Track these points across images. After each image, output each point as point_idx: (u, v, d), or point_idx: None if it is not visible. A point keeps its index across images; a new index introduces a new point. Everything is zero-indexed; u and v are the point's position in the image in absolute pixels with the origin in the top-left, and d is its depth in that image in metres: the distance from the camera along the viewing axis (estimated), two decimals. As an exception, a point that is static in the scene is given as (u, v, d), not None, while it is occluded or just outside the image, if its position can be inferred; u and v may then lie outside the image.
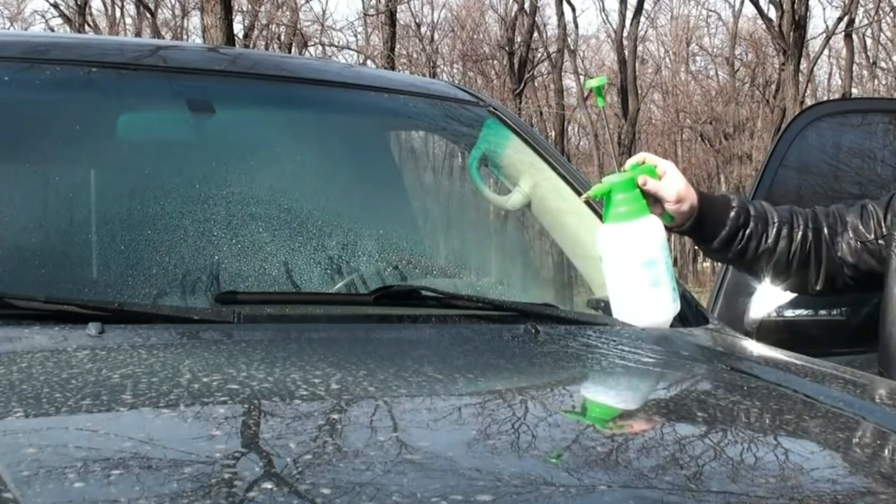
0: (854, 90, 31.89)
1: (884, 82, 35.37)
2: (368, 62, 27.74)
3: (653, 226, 2.12)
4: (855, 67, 32.56)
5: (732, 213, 2.30)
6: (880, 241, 2.33)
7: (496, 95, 28.48)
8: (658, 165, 2.19)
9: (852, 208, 2.40)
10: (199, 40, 20.73)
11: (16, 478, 1.08)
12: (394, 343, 1.83)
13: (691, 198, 2.22)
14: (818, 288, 2.37)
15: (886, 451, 1.46)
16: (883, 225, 2.33)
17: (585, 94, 32.27)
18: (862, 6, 30.76)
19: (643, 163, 2.19)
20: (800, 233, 2.34)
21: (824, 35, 31.10)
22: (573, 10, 45.68)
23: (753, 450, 1.38)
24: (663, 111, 37.96)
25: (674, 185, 2.19)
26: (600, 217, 2.28)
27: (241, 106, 2.43)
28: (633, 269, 2.08)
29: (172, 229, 2.02)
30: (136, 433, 1.24)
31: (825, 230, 2.36)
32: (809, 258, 2.35)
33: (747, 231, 2.31)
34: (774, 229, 2.33)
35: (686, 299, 2.21)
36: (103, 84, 2.24)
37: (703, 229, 2.29)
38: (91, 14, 30.46)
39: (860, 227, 2.35)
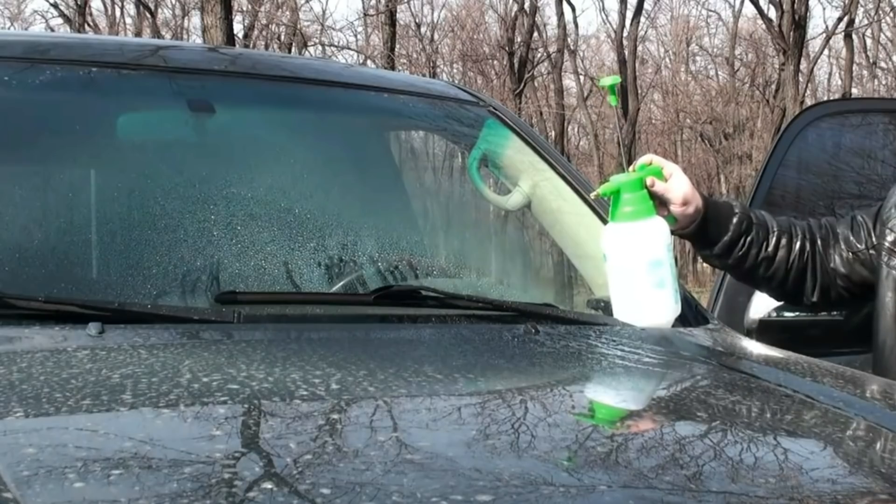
0: (854, 90, 31.88)
1: (884, 82, 35.36)
2: (368, 62, 27.74)
3: (659, 227, 2.12)
4: (855, 67, 32.55)
5: (735, 219, 2.30)
6: (871, 251, 2.34)
7: (496, 95, 28.48)
8: (665, 167, 2.20)
9: (843, 220, 2.42)
10: (199, 40, 20.73)
11: (16, 478, 1.08)
12: (394, 343, 1.83)
13: (696, 201, 2.22)
14: (813, 299, 2.39)
15: (886, 451, 1.46)
16: (873, 235, 2.35)
17: (586, 94, 32.31)
18: (862, 6, 30.76)
19: (650, 164, 2.19)
20: (797, 243, 2.35)
21: (824, 35, 31.14)
22: (573, 10, 45.65)
23: (753, 450, 1.38)
24: (663, 111, 37.95)
25: (680, 188, 2.20)
26: (601, 217, 2.28)
27: (241, 106, 2.43)
28: (638, 269, 2.08)
29: (172, 229, 2.02)
30: (136, 433, 1.24)
31: (818, 242, 2.37)
32: (806, 269, 2.36)
33: (749, 238, 2.32)
34: (774, 238, 2.34)
35: (686, 299, 2.21)
36: (103, 84, 2.24)
37: (706, 233, 2.29)
38: (91, 14, 30.46)
39: (851, 238, 2.37)
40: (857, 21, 30.57)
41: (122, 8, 32.27)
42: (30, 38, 2.88)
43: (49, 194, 2.12)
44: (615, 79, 2.26)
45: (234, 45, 14.38)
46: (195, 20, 29.24)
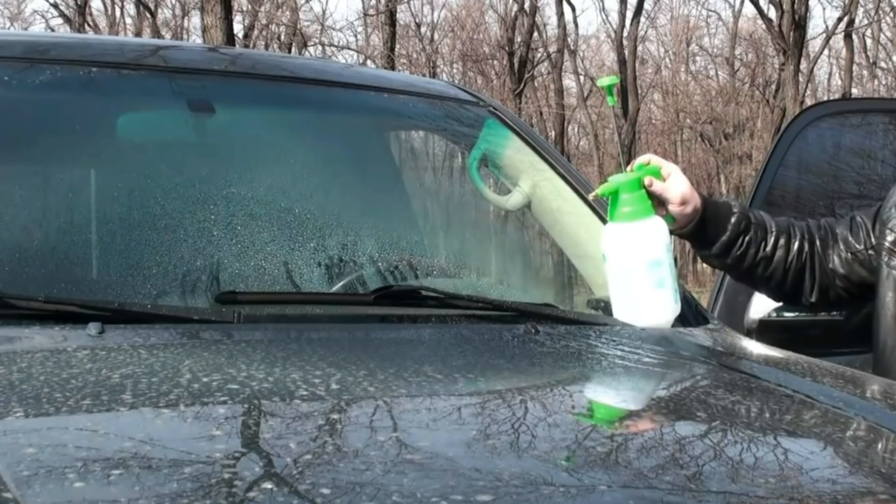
0: (854, 90, 31.88)
1: (884, 82, 35.36)
2: (368, 62, 27.74)
3: (658, 227, 2.12)
4: (855, 67, 32.55)
5: (734, 219, 2.31)
6: (870, 252, 2.34)
7: (496, 95, 28.47)
8: (663, 167, 2.20)
9: (842, 220, 2.42)
10: (199, 40, 20.73)
11: (16, 478, 1.08)
12: (394, 343, 1.83)
13: (695, 201, 2.23)
14: (812, 300, 2.39)
15: (886, 452, 1.46)
16: (872, 235, 2.35)
17: (586, 94, 32.32)
18: (862, 6, 30.76)
19: (648, 164, 2.20)
20: (796, 243, 2.35)
21: (824, 35, 31.14)
22: (573, 10, 45.70)
23: (753, 450, 1.38)
24: (663, 111, 37.94)
25: (678, 187, 2.20)
26: (601, 217, 2.28)
27: (241, 106, 2.43)
28: (637, 270, 2.08)
29: (172, 229, 2.02)
30: (136, 433, 1.24)
31: (817, 242, 2.37)
32: (804, 269, 2.36)
33: (747, 237, 2.32)
34: (773, 238, 2.34)
35: (686, 299, 2.21)
36: (103, 84, 2.24)
37: (704, 233, 2.29)
38: (91, 14, 30.46)
39: (850, 238, 2.37)
40: (857, 21, 30.57)
41: (122, 8, 32.30)
42: (30, 38, 2.88)
43: (49, 194, 2.12)
44: (613, 79, 2.26)
45: (234, 45, 14.38)
46: (195, 20, 29.27)
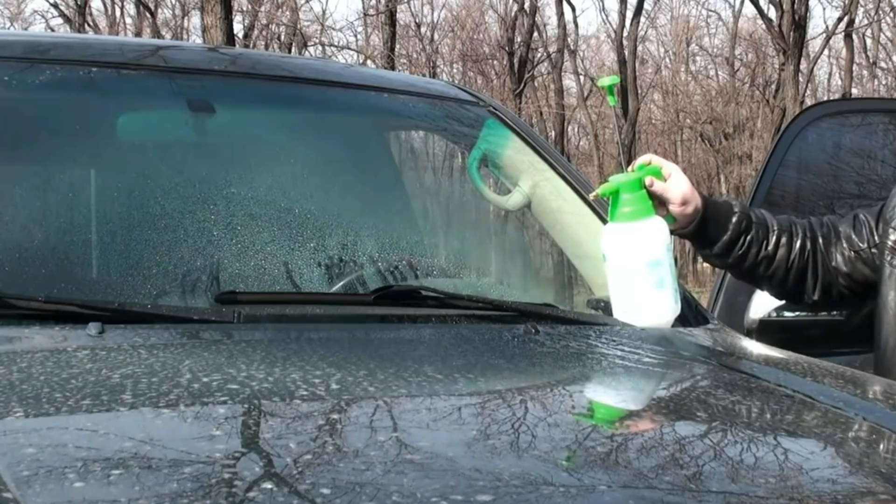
0: (854, 90, 31.88)
1: (884, 82, 35.36)
2: (368, 62, 27.73)
3: (658, 227, 2.12)
4: (855, 67, 32.54)
5: (735, 219, 2.30)
6: (873, 250, 2.34)
7: (496, 95, 28.47)
8: (664, 167, 2.20)
9: (844, 218, 2.42)
10: (199, 40, 20.73)
11: (16, 478, 1.08)
12: (394, 343, 1.83)
13: (696, 201, 2.22)
14: (815, 297, 2.39)
15: (886, 451, 1.46)
16: (875, 233, 2.35)
17: (586, 94, 32.33)
18: (862, 6, 30.76)
19: (649, 164, 2.20)
20: (798, 242, 2.35)
21: (824, 35, 31.15)
22: (573, 10, 45.74)
23: (753, 450, 1.38)
24: (663, 111, 37.94)
25: (679, 188, 2.20)
26: (601, 217, 2.28)
27: (241, 106, 2.43)
28: (637, 270, 2.08)
29: (172, 229, 2.02)
30: (136, 433, 1.24)
31: (820, 240, 2.37)
32: (807, 267, 2.36)
33: (748, 237, 2.32)
34: (774, 237, 2.34)
35: (686, 299, 2.21)
36: (103, 84, 2.24)
37: (705, 233, 2.29)
38: (91, 14, 30.47)
39: (853, 236, 2.37)
40: (857, 21, 30.57)
41: (122, 8, 32.30)
42: (30, 38, 2.88)
43: (49, 194, 2.12)
44: (613, 79, 2.26)
45: (234, 45, 14.39)
46: (195, 20, 29.28)
